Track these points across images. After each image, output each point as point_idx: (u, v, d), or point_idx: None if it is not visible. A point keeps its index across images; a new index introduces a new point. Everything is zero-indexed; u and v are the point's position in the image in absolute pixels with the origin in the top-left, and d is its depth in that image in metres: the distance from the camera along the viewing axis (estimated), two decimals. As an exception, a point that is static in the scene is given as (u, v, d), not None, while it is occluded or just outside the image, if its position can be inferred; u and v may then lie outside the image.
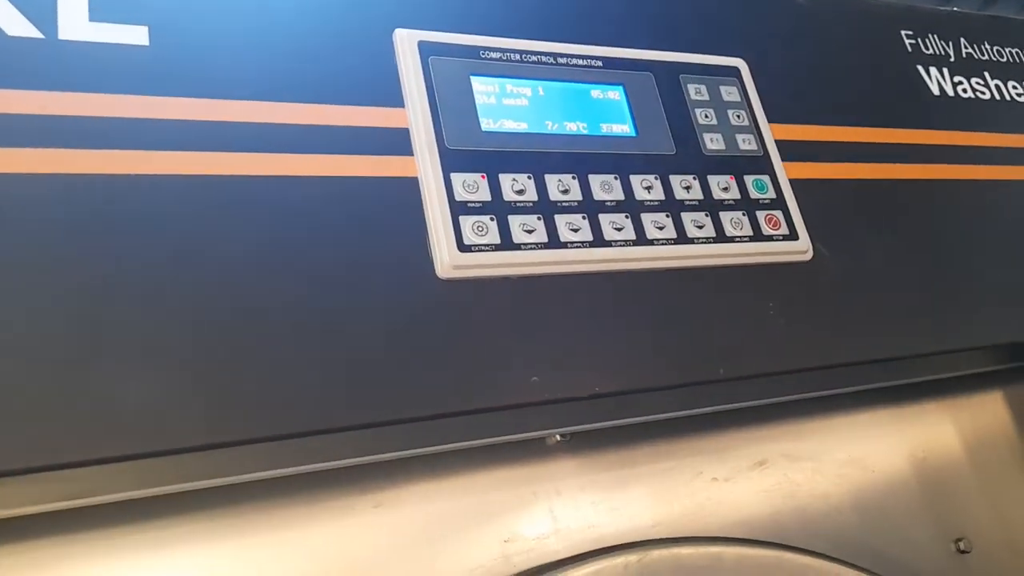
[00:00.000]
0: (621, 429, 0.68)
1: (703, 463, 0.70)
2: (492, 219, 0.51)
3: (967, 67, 0.78)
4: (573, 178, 0.55)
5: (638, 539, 0.64)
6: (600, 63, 0.60)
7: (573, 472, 0.66)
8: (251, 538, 0.54)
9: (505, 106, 0.56)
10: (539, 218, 0.53)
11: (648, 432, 0.69)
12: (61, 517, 0.47)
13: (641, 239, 0.55)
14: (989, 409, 0.82)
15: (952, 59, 0.78)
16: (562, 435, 0.66)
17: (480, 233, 0.51)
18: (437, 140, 0.52)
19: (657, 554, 0.61)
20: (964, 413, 0.81)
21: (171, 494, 0.49)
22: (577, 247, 0.53)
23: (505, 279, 0.51)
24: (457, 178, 0.52)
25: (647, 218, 0.56)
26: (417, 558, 0.58)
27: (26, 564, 0.47)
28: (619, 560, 0.60)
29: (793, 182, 0.63)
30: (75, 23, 0.46)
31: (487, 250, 0.50)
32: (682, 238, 0.56)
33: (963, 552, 0.75)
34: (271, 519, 0.55)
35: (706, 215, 0.58)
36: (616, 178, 0.56)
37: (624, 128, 0.59)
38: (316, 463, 0.51)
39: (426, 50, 0.55)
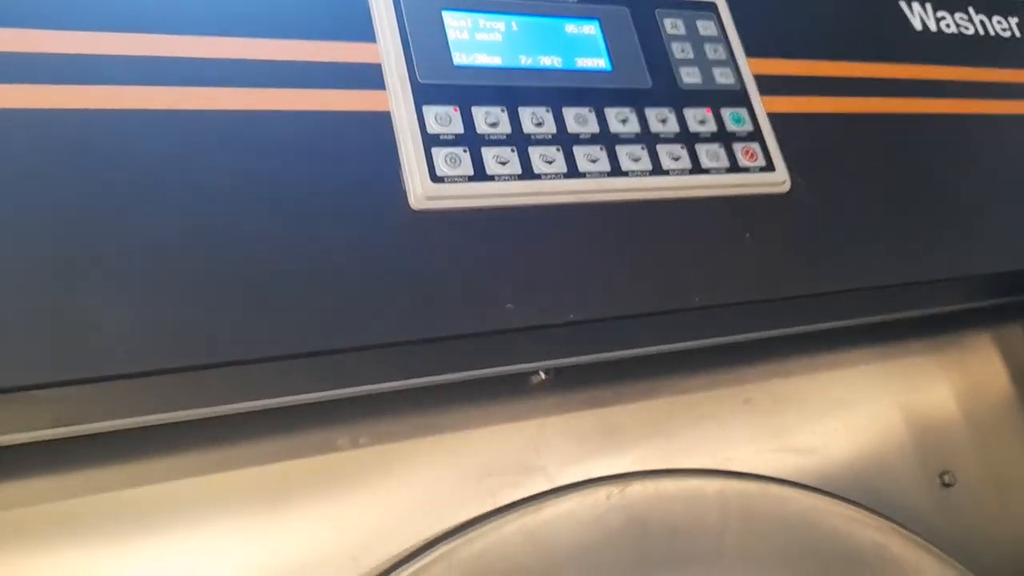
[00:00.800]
0: (605, 369, 0.68)
1: (688, 401, 0.71)
2: (465, 151, 0.52)
3: (950, 1, 0.78)
4: (547, 111, 0.55)
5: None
6: (575, -2, 0.60)
7: (557, 409, 0.67)
8: (226, 473, 0.56)
9: (478, 40, 0.56)
10: (512, 150, 0.53)
11: (632, 371, 0.70)
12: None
13: (616, 171, 0.55)
14: (975, 347, 0.83)
15: (935, -7, 0.78)
16: (545, 372, 0.66)
17: (453, 165, 0.51)
18: (409, 74, 0.52)
19: (639, 486, 0.62)
20: (950, 351, 0.82)
21: (143, 428, 0.49)
22: (551, 178, 0.53)
23: (479, 210, 0.51)
24: (429, 111, 0.52)
25: (622, 150, 0.56)
26: (399, 493, 0.59)
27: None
28: (601, 492, 0.61)
29: (771, 116, 0.63)
30: (41, -41, 0.46)
31: (460, 181, 0.51)
32: (658, 170, 0.56)
33: (947, 486, 0.76)
34: (251, 453, 0.56)
35: (682, 147, 0.58)
36: (591, 111, 0.56)
37: (599, 63, 0.59)
38: (295, 394, 0.52)
39: (397, -15, 0.54)
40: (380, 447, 0.61)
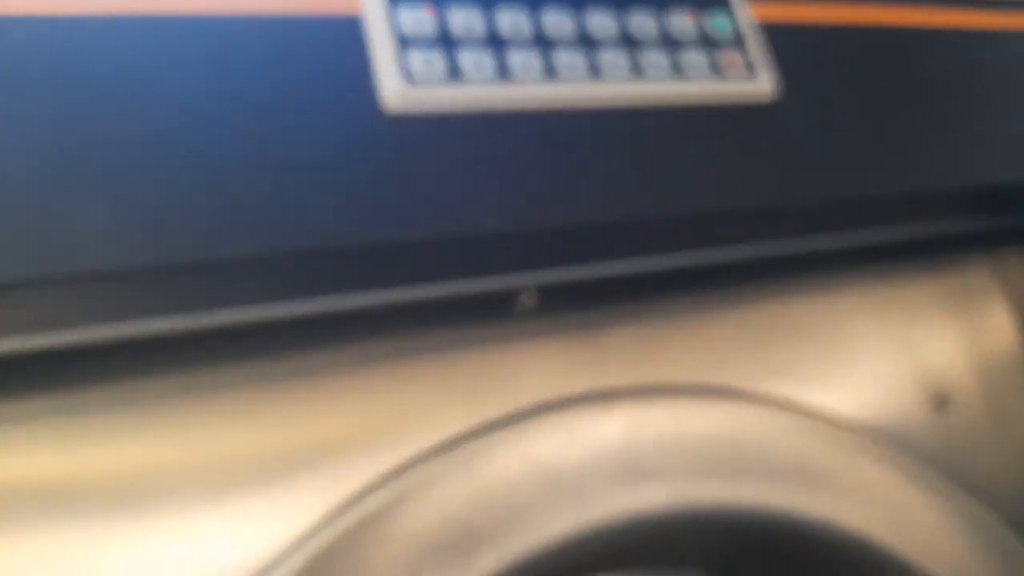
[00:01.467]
0: (592, 293, 0.68)
1: (677, 327, 0.71)
2: (440, 53, 0.51)
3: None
4: (525, 15, 0.54)
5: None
6: None
7: (543, 335, 0.66)
8: (202, 396, 0.56)
9: (452, -57, 0.55)
10: (490, 53, 0.52)
11: (619, 298, 0.69)
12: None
13: (595, 76, 0.54)
14: (973, 273, 0.82)
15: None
16: (528, 296, 0.66)
17: (427, 67, 0.50)
18: (381, -25, 0.51)
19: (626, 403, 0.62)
20: (948, 277, 0.81)
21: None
22: (528, 83, 0.52)
23: (455, 114, 0.51)
24: (403, 13, 0.51)
25: (601, 55, 0.55)
26: (380, 413, 0.60)
27: None
28: (584, 411, 0.61)
29: (757, 23, 0.61)
30: None
31: (435, 84, 0.50)
32: (637, 75, 0.55)
33: (941, 406, 0.75)
34: (231, 373, 0.56)
35: (663, 53, 0.57)
36: (570, 16, 0.55)
37: (578, -32, 0.58)
38: (268, 303, 0.52)
39: None
40: (362, 369, 0.61)
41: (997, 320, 0.81)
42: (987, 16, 0.73)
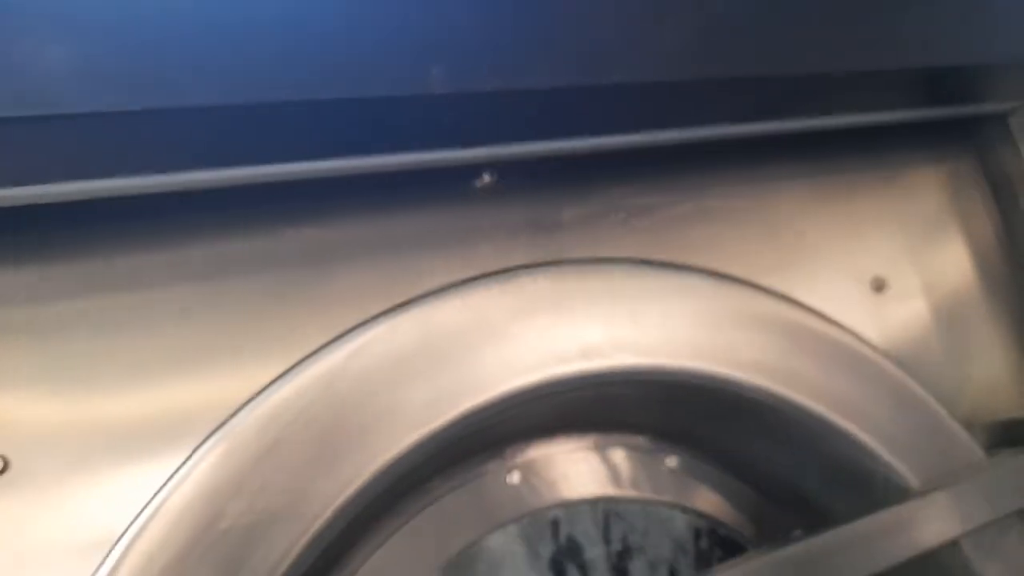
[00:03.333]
0: (547, 176, 0.71)
1: (629, 206, 0.74)
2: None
3: None
4: None
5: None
6: None
7: (501, 213, 0.70)
8: (169, 253, 0.60)
9: None
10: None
11: (573, 178, 0.73)
12: None
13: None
14: (906, 154, 0.85)
15: None
16: (489, 176, 0.70)
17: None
18: None
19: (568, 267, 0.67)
20: (887, 166, 0.84)
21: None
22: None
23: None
24: None
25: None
26: (339, 280, 0.63)
27: None
28: (524, 277, 0.65)
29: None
30: None
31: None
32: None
33: (878, 290, 0.80)
34: (194, 234, 0.60)
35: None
36: None
37: None
38: (231, 167, 0.55)
39: None
40: (324, 236, 0.64)
41: (934, 210, 0.85)
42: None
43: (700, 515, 0.76)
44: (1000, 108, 0.84)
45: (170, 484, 0.55)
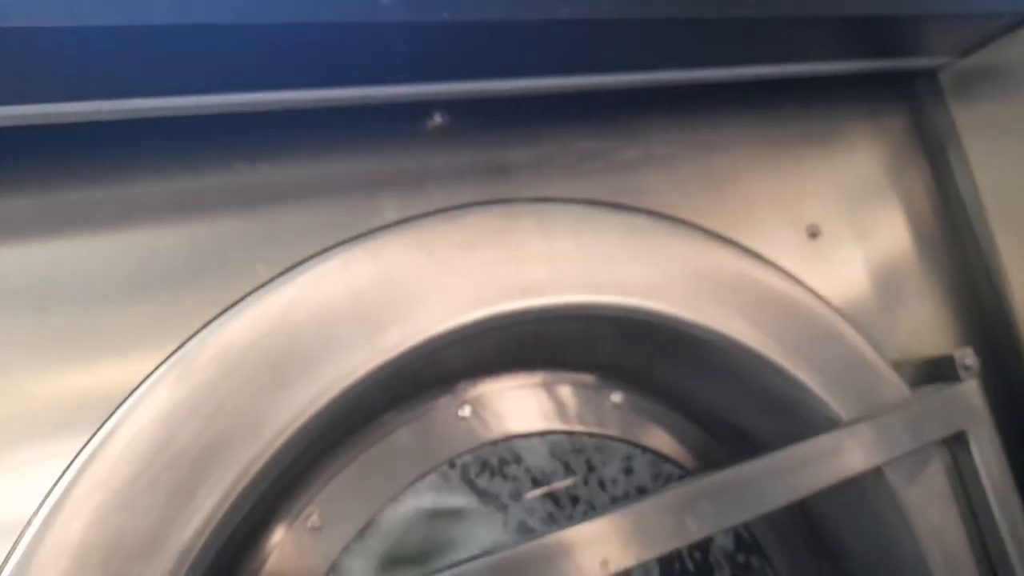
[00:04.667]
0: (501, 122, 0.73)
1: (579, 150, 0.76)
2: None
3: None
4: None
5: (510, 206, 0.71)
6: None
7: (452, 154, 0.71)
8: (129, 187, 0.60)
9: None
10: None
11: (524, 120, 0.74)
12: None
13: None
14: (842, 108, 0.89)
15: None
16: (440, 116, 0.71)
17: None
18: None
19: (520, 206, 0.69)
20: (817, 110, 0.88)
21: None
22: None
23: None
24: None
25: None
26: (292, 212, 0.64)
27: None
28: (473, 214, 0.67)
29: None
30: None
31: None
32: None
33: (813, 236, 0.84)
34: (155, 167, 0.60)
35: None
36: None
37: None
38: (186, 94, 0.55)
39: None
40: (278, 171, 0.65)
41: (868, 161, 0.89)
42: None
43: (644, 449, 0.80)
44: (931, 63, 0.89)
45: (123, 408, 0.56)
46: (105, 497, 0.53)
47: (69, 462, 0.54)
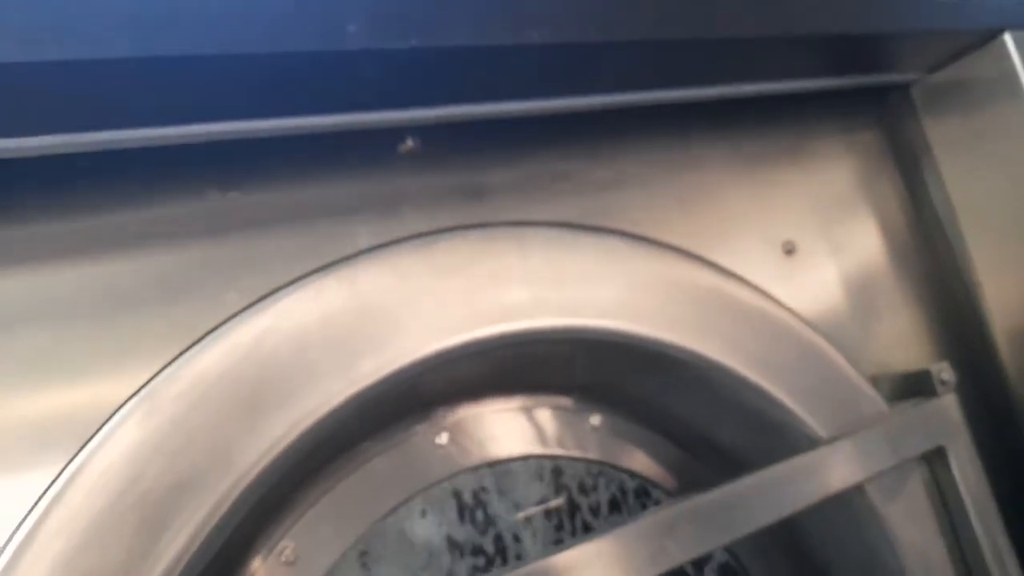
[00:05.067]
0: (474, 145, 0.72)
1: (552, 172, 0.76)
2: None
3: None
4: None
5: (485, 229, 0.70)
6: None
7: (426, 178, 0.71)
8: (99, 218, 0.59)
9: None
10: None
11: (497, 143, 0.74)
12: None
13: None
14: (816, 124, 0.89)
15: None
16: (412, 140, 0.70)
17: None
18: None
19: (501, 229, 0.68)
20: (791, 127, 0.88)
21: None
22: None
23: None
24: None
25: None
26: (268, 241, 0.63)
27: None
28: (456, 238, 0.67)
29: None
30: None
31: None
32: None
33: (789, 253, 0.84)
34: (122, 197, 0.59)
35: None
36: None
37: None
38: (155, 126, 0.54)
39: None
40: (248, 200, 0.64)
41: (843, 177, 0.90)
42: None
43: (624, 471, 0.79)
44: (903, 79, 0.89)
45: (88, 447, 0.54)
46: (70, 541, 0.51)
47: (32, 505, 0.52)
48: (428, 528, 0.72)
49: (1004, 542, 0.79)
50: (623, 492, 0.81)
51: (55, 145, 0.53)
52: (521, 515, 0.77)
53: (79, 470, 0.53)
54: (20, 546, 0.51)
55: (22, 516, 0.52)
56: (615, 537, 0.61)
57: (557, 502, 0.78)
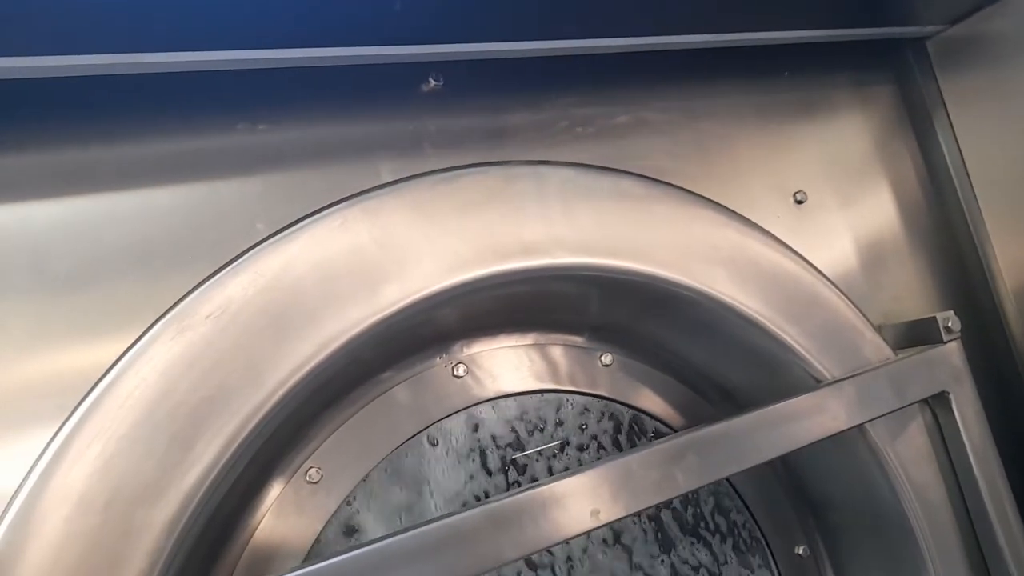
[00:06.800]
0: (496, 87, 0.74)
1: (572, 115, 0.77)
2: None
3: None
4: None
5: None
6: None
7: (448, 115, 0.72)
8: (136, 146, 0.61)
9: None
10: None
11: (519, 85, 0.75)
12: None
13: None
14: (831, 77, 0.90)
15: None
16: (435, 79, 0.72)
17: None
18: None
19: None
20: (807, 79, 0.89)
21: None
22: None
23: None
24: None
25: None
26: (294, 172, 0.65)
27: None
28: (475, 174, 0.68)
29: None
30: None
31: None
32: None
33: (800, 203, 0.86)
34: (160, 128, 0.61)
35: None
36: None
37: None
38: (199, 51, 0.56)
39: None
40: (276, 131, 0.66)
41: (854, 130, 0.91)
42: None
43: (633, 408, 0.82)
44: (920, 32, 0.90)
45: (122, 361, 0.57)
46: (107, 445, 0.54)
47: (70, 413, 0.55)
48: (442, 457, 0.75)
49: (1003, 485, 0.81)
50: (633, 429, 0.83)
51: (79, 66, 0.54)
52: (533, 449, 0.79)
53: (114, 382, 0.56)
54: (57, 452, 0.54)
55: (58, 427, 0.54)
56: (623, 464, 0.63)
57: (565, 437, 0.81)
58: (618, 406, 0.81)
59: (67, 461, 0.53)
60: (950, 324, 0.81)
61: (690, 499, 0.84)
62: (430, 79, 0.71)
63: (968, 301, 0.92)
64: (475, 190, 0.68)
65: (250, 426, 0.59)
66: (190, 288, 0.60)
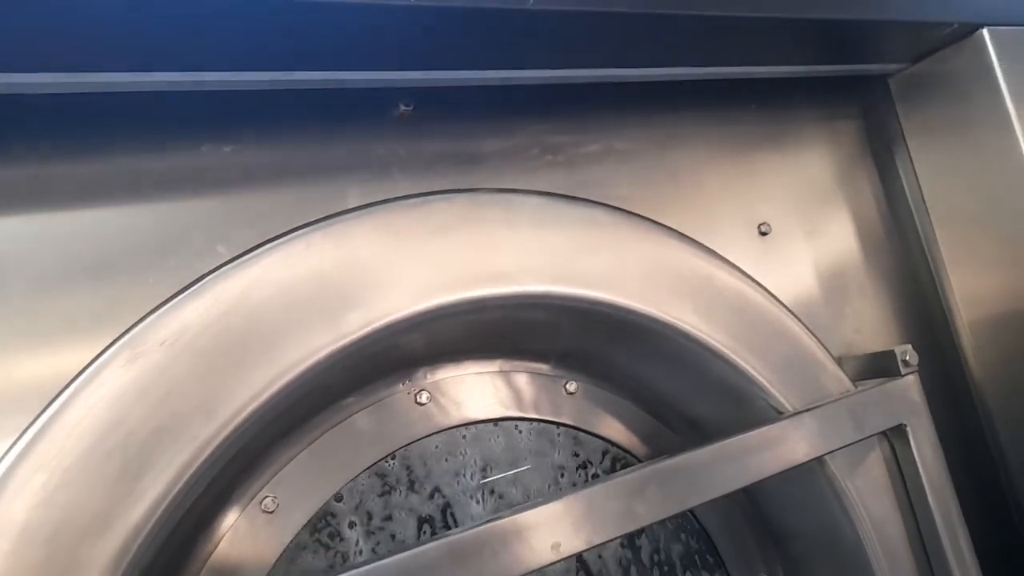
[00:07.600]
0: (467, 114, 0.73)
1: (542, 143, 0.77)
2: None
3: None
4: None
5: (472, 194, 0.72)
6: None
7: (419, 143, 0.71)
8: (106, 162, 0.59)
9: None
10: None
11: (490, 113, 0.75)
12: None
13: None
14: (798, 110, 0.92)
15: None
16: (406, 105, 0.71)
17: None
18: None
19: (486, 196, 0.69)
20: (774, 112, 0.91)
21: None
22: None
23: None
24: None
25: None
26: (260, 194, 0.64)
27: None
28: (442, 201, 0.68)
29: None
30: None
31: None
32: None
33: (764, 234, 0.86)
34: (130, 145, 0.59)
35: None
36: None
37: None
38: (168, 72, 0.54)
39: None
40: (242, 154, 0.65)
41: (819, 164, 0.92)
42: None
43: (596, 436, 0.81)
44: (883, 70, 0.92)
45: (70, 389, 0.55)
46: (51, 476, 0.52)
47: (13, 442, 0.53)
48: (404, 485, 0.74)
49: (958, 518, 0.82)
50: (595, 459, 0.83)
51: (46, 84, 0.53)
52: (494, 476, 0.79)
53: (62, 408, 0.54)
54: (1, 480, 0.51)
55: (4, 450, 0.52)
56: (585, 496, 0.63)
57: (527, 466, 0.80)
58: (582, 434, 0.81)
59: (9, 492, 0.51)
60: (907, 358, 0.83)
61: (652, 527, 0.84)
62: (400, 105, 0.71)
63: (927, 333, 0.94)
64: (444, 216, 0.68)
65: (203, 456, 0.57)
66: (149, 310, 0.58)
